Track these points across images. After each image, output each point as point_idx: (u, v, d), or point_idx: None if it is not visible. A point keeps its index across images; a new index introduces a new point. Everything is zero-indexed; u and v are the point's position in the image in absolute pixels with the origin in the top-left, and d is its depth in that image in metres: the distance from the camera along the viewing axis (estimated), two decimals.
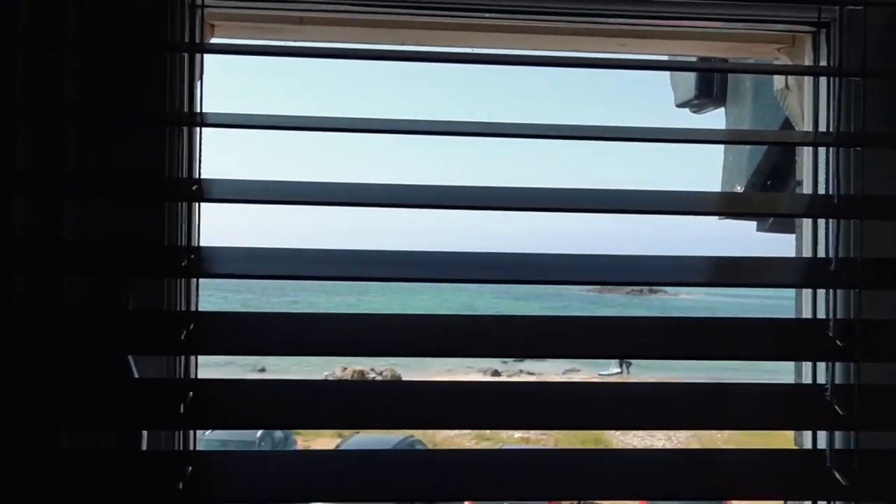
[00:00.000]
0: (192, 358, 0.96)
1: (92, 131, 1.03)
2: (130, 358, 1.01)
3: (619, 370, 20.53)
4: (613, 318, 1.03)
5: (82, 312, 0.97)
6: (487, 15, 1.24)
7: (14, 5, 1.03)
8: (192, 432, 1.00)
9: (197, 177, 0.98)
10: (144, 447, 1.02)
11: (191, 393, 0.95)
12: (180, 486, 0.92)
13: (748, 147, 1.84)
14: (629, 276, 1.07)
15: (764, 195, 1.41)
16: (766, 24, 1.23)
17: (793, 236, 1.90)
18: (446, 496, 0.96)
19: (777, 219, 1.82)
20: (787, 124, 1.66)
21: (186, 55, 1.08)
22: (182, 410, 0.93)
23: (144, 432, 1.02)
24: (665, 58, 1.51)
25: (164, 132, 1.05)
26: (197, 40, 1.15)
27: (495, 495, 0.95)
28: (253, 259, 0.98)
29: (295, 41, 1.29)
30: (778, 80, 1.41)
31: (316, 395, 0.98)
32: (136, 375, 1.01)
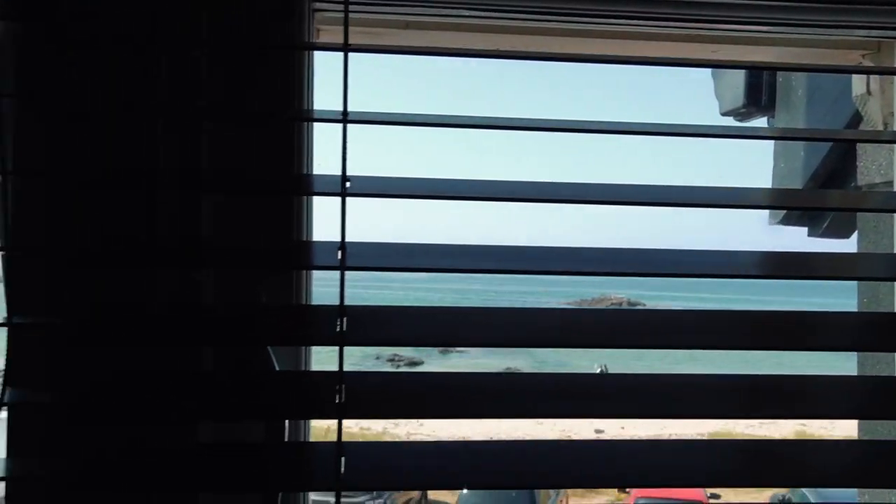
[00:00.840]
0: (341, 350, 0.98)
1: (229, 130, 1.05)
2: (270, 350, 1.03)
3: None
4: (738, 313, 1.07)
5: (238, 308, 0.98)
6: (585, 20, 1.27)
7: (154, 13, 1.05)
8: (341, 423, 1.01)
9: (345, 173, 1.00)
10: (286, 439, 1.04)
11: (342, 385, 0.96)
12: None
13: (802, 153, 1.89)
14: (755, 269, 1.09)
15: (868, 194, 1.45)
16: (855, 29, 1.28)
17: (843, 241, 1.95)
18: None
19: (833, 223, 1.87)
20: (849, 128, 1.72)
21: (306, 53, 1.12)
22: (338, 401, 0.94)
23: (287, 423, 1.04)
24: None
25: (293, 129, 1.08)
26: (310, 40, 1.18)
27: None
28: (399, 253, 1.00)
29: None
30: (858, 86, 1.46)
31: (462, 387, 1.00)
32: (277, 368, 1.03)
